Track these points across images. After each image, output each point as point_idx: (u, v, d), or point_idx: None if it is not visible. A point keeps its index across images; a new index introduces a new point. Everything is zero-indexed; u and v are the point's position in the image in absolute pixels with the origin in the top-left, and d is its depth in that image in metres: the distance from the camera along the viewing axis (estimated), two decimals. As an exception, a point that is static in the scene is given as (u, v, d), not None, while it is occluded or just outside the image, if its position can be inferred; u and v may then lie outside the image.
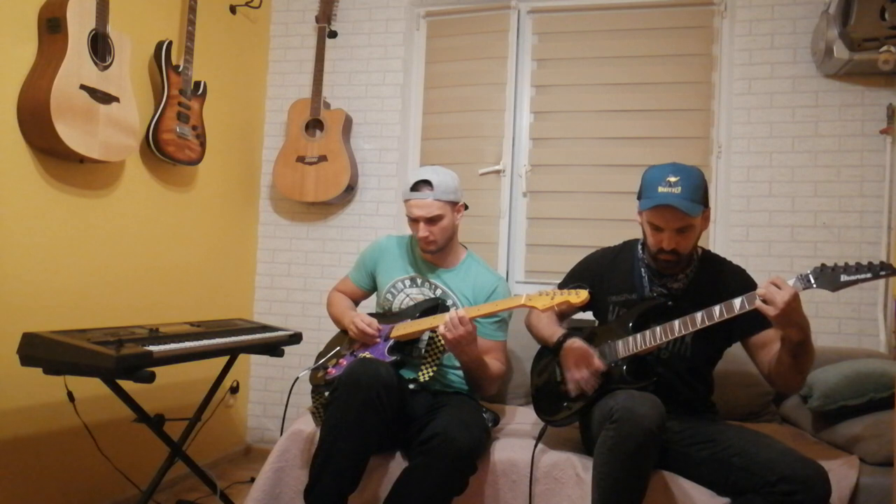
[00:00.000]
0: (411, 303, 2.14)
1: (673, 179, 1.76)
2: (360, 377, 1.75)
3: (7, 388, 2.01)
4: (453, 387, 2.11)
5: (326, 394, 1.93)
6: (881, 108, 2.63)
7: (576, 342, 1.85)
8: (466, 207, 2.21)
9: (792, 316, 1.56)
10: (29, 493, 2.09)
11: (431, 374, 2.04)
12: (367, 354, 1.99)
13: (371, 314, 2.19)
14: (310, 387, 2.10)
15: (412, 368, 2.06)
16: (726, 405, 2.13)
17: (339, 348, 2.15)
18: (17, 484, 2.05)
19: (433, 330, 2.01)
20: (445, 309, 2.06)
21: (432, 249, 2.10)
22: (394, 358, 1.97)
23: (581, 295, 1.73)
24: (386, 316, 2.17)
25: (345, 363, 2.03)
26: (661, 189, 1.76)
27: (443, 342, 2.00)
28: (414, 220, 2.07)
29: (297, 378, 2.22)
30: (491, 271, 2.22)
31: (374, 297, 2.35)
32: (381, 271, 2.26)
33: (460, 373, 2.10)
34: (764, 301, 1.56)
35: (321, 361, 2.12)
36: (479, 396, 2.17)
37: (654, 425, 1.55)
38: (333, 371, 2.02)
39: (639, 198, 1.85)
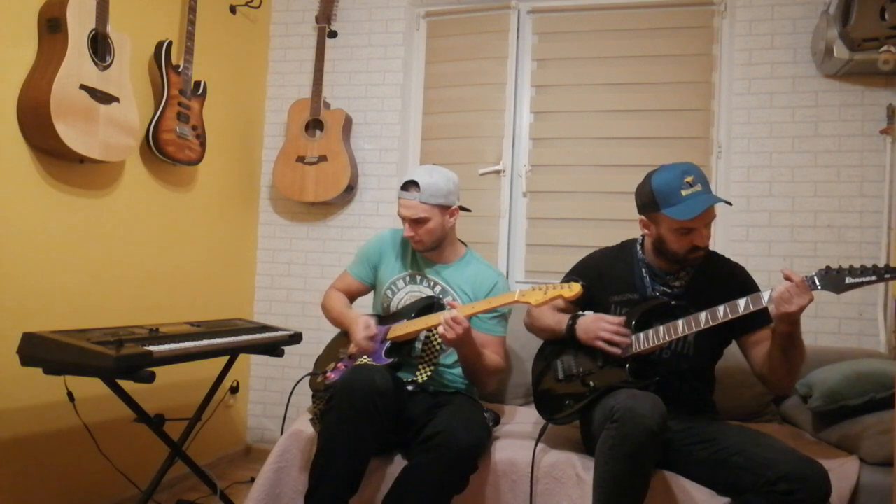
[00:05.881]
0: (410, 300, 2.14)
1: (690, 179, 1.72)
2: (354, 386, 1.75)
3: (7, 388, 2.01)
4: (452, 386, 2.11)
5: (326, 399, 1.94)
6: (881, 108, 2.62)
7: (586, 314, 1.87)
8: (466, 209, 2.19)
9: (794, 314, 1.58)
10: (29, 493, 2.09)
11: (429, 373, 2.04)
12: (364, 359, 1.98)
13: (368, 315, 2.18)
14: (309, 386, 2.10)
15: (409, 370, 2.06)
16: (726, 405, 2.13)
17: (338, 351, 2.14)
18: (17, 484, 2.05)
19: (430, 329, 2.01)
20: (441, 307, 2.06)
21: (420, 248, 2.12)
22: (391, 360, 1.97)
23: (574, 288, 1.73)
24: (383, 317, 2.17)
25: (343, 367, 2.02)
26: (685, 192, 1.71)
27: (439, 342, 2.00)
28: (403, 218, 2.08)
29: (299, 381, 2.21)
30: (491, 267, 2.21)
31: (370, 297, 2.32)
32: (384, 266, 2.24)
33: (457, 371, 2.10)
34: (781, 299, 1.56)
35: (320, 367, 2.12)
36: (478, 395, 2.18)
37: (656, 425, 1.55)
38: (332, 376, 2.02)
39: (655, 209, 1.77)
